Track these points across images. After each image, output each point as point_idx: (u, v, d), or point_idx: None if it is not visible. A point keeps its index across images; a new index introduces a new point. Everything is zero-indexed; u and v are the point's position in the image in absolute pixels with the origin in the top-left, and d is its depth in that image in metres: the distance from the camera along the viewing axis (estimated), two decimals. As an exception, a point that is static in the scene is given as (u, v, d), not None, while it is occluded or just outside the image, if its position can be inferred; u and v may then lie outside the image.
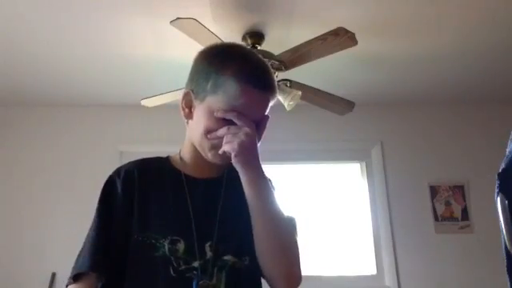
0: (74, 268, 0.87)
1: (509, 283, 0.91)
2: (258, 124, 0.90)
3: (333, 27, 2.05)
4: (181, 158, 0.98)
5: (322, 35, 2.09)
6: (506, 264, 0.95)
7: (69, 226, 2.99)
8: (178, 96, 2.51)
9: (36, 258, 2.92)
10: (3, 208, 3.04)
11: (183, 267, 0.82)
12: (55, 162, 3.19)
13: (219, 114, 0.87)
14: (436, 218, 3.07)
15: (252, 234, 0.88)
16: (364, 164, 3.31)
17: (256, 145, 0.88)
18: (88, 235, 0.91)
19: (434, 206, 3.10)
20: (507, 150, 0.99)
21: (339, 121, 2.88)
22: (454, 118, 3.34)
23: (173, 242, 0.84)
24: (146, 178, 0.93)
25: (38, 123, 3.30)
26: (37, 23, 2.39)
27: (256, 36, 2.45)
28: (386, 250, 3.01)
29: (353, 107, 2.63)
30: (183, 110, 0.94)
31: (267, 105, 0.91)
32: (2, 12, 2.30)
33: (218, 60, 0.91)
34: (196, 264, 0.83)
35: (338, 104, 2.61)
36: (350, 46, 2.13)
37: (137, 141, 3.27)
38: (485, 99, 3.29)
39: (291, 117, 2.73)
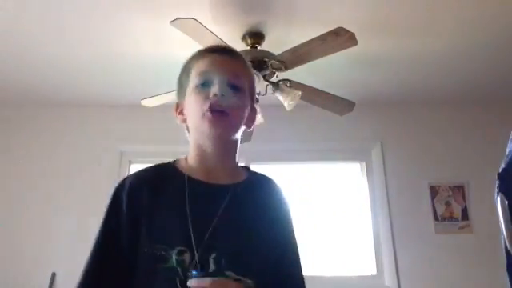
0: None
1: (509, 283, 0.91)
2: (235, 88, 0.94)
3: (333, 27, 2.05)
4: (187, 162, 0.97)
5: (321, 35, 2.09)
6: (505, 264, 0.95)
7: (69, 226, 2.99)
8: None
9: (36, 258, 2.92)
10: (3, 208, 3.04)
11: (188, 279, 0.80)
12: (55, 162, 3.19)
13: (194, 82, 0.94)
14: (436, 218, 3.07)
15: (259, 257, 0.86)
16: (364, 164, 3.31)
17: None
18: (90, 251, 0.90)
19: (434, 206, 3.10)
20: (507, 149, 0.99)
21: (339, 121, 2.87)
22: (454, 118, 3.34)
23: (180, 253, 0.82)
24: (150, 188, 0.91)
25: (37, 123, 3.31)
26: (36, 23, 2.39)
27: (256, 36, 2.45)
28: (386, 250, 3.01)
29: (353, 107, 2.63)
30: (177, 118, 1.00)
31: (233, 65, 0.97)
32: (1, 12, 2.30)
33: (185, 62, 1.03)
34: (198, 275, 0.80)
35: (338, 104, 2.61)
36: (350, 46, 2.13)
37: (137, 141, 3.27)
38: (485, 99, 3.29)
39: (291, 117, 2.73)
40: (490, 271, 2.48)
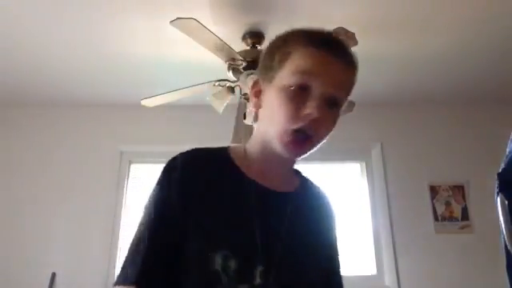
0: (120, 275, 0.76)
1: (509, 283, 0.91)
2: (333, 104, 0.79)
3: (333, 27, 2.04)
4: (246, 156, 0.85)
5: (322, 35, 2.08)
6: (505, 263, 0.95)
7: (69, 226, 2.99)
8: (177, 96, 2.53)
9: (36, 258, 2.92)
10: (3, 208, 3.04)
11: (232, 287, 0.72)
12: (55, 161, 3.19)
13: (289, 79, 0.77)
14: (436, 218, 3.07)
15: (309, 276, 0.80)
16: (364, 164, 3.31)
17: None
18: (138, 239, 0.77)
19: (434, 206, 3.10)
20: (507, 149, 0.98)
21: (339, 121, 2.87)
22: (454, 118, 3.34)
23: (225, 258, 0.73)
24: (204, 177, 0.79)
25: (38, 123, 3.31)
26: (36, 23, 2.39)
27: (256, 36, 2.45)
28: (386, 249, 3.01)
29: (353, 107, 2.63)
30: (251, 99, 0.86)
31: (341, 72, 0.79)
32: (1, 12, 2.30)
33: (282, 37, 0.84)
34: (242, 287, 0.73)
35: (338, 104, 2.61)
36: (350, 46, 2.13)
37: (137, 141, 3.27)
38: (485, 99, 3.29)
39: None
40: (490, 271, 2.48)
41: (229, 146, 0.86)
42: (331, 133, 0.83)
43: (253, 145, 0.86)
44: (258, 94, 0.84)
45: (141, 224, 0.78)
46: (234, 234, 0.76)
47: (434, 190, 3.13)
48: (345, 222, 3.15)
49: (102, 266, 2.88)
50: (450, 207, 3.10)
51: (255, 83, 0.85)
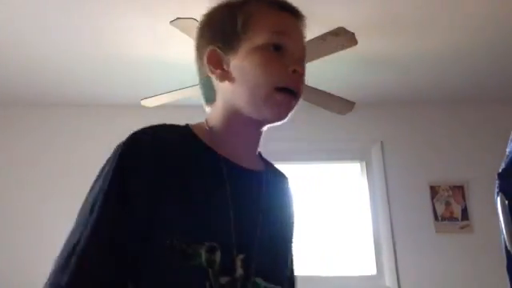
0: (56, 276, 0.64)
1: (509, 283, 0.91)
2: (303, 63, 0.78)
3: (333, 27, 2.05)
4: (212, 134, 0.76)
5: (321, 35, 2.08)
6: (506, 264, 0.95)
7: (69, 226, 2.99)
8: (177, 96, 2.53)
9: (36, 258, 2.91)
10: (2, 208, 3.04)
11: (217, 284, 0.64)
12: (54, 162, 3.19)
13: (264, 38, 0.73)
14: (436, 218, 3.07)
15: (285, 263, 0.78)
16: (364, 164, 3.31)
17: None
18: (88, 229, 0.67)
19: (434, 206, 3.10)
20: (507, 149, 0.99)
21: (339, 121, 2.87)
22: (454, 118, 3.34)
23: (211, 250, 0.64)
24: (175, 156, 0.69)
25: (37, 123, 3.30)
26: (36, 23, 2.39)
27: (256, 36, 2.45)
28: (386, 249, 3.01)
29: (353, 107, 2.63)
30: (213, 72, 0.77)
31: (304, 34, 0.79)
32: (1, 12, 2.30)
33: (236, 3, 0.79)
34: (224, 281, 0.64)
35: (338, 104, 2.61)
36: (350, 46, 2.13)
37: (137, 141, 3.26)
38: (485, 99, 3.29)
39: (291, 117, 2.73)
40: (490, 271, 2.48)
41: (188, 124, 0.80)
42: (331, 135, 0.83)
43: (217, 121, 0.78)
44: (218, 65, 0.77)
45: (87, 211, 0.68)
46: (216, 221, 0.68)
47: (434, 190, 3.13)
48: (345, 222, 3.15)
49: (102, 266, 2.87)
50: (450, 207, 3.10)
51: (212, 54, 0.77)
